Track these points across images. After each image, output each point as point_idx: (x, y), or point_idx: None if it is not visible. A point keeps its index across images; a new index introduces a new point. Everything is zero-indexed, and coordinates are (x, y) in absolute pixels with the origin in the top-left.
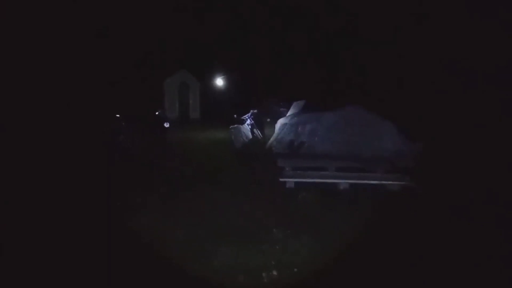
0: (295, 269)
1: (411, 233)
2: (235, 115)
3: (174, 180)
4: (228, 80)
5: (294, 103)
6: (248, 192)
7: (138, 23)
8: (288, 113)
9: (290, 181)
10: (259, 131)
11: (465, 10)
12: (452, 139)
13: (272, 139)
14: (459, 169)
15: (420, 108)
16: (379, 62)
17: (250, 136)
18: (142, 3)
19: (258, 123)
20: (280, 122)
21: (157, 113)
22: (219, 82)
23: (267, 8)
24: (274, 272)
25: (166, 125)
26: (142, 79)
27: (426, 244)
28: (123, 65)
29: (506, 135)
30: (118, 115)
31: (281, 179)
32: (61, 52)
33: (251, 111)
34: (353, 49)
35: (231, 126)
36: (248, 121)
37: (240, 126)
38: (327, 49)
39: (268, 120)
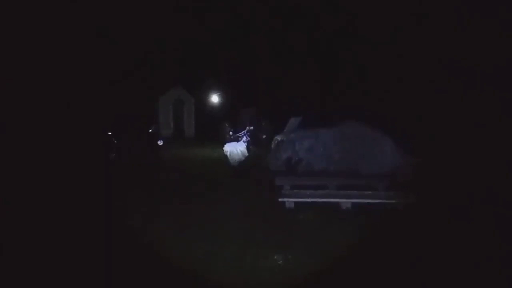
0: None
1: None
2: (230, 132)
3: (168, 197)
4: (223, 97)
5: (291, 119)
6: (246, 212)
7: (133, 32)
8: (285, 130)
9: (290, 201)
10: (255, 148)
11: (465, 10)
12: (452, 139)
13: (268, 156)
14: (459, 169)
15: (420, 108)
16: (378, 62)
17: (246, 153)
18: (138, 11)
19: (254, 140)
20: (276, 139)
21: (150, 130)
22: (214, 99)
23: (266, 10)
24: None
25: (160, 142)
26: (136, 93)
27: (426, 246)
28: (116, 78)
29: (506, 135)
30: (109, 133)
31: (280, 199)
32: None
33: (247, 128)
34: (353, 49)
35: (227, 143)
36: (244, 138)
37: (236, 143)
38: (326, 50)
39: (264, 136)
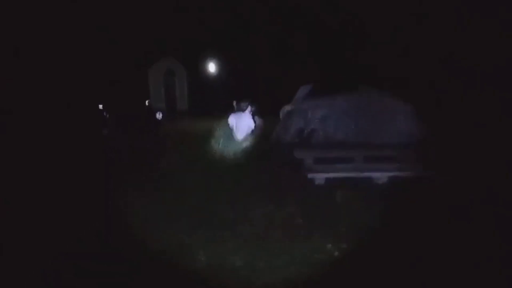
0: None
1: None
2: (234, 102)
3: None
4: (221, 66)
5: (301, 88)
6: (273, 192)
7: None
8: (295, 99)
9: (320, 177)
10: (261, 120)
11: (465, 10)
12: (452, 138)
13: (278, 127)
14: (459, 169)
15: (420, 108)
16: (378, 62)
17: (253, 125)
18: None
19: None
20: (285, 109)
21: (147, 103)
22: (211, 67)
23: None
24: None
25: (159, 115)
26: (125, 67)
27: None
28: (103, 52)
29: (506, 135)
30: (100, 106)
31: (309, 175)
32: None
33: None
34: (353, 49)
35: (231, 114)
36: (249, 109)
37: (242, 113)
38: (326, 50)
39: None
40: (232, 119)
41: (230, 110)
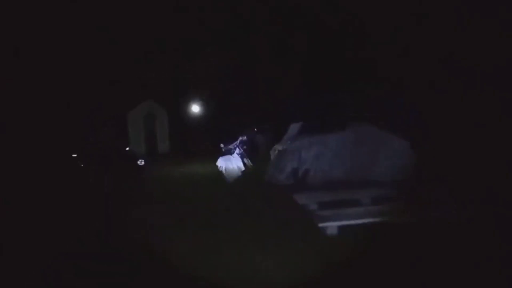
0: None
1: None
2: (222, 145)
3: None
4: (205, 106)
5: (291, 126)
6: (281, 247)
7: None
8: (285, 137)
9: (332, 226)
10: (249, 161)
11: (465, 10)
12: (452, 138)
13: (271, 168)
14: (459, 169)
15: (420, 108)
16: (379, 62)
17: (243, 167)
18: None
19: (249, 151)
20: (276, 148)
21: (127, 148)
22: (193, 108)
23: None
24: None
25: (141, 163)
26: (103, 112)
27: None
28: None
29: (506, 135)
30: (74, 155)
31: (320, 225)
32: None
33: (239, 138)
34: (353, 48)
35: (220, 158)
36: (237, 150)
37: (230, 156)
38: (326, 50)
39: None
40: (222, 162)
41: (215, 151)
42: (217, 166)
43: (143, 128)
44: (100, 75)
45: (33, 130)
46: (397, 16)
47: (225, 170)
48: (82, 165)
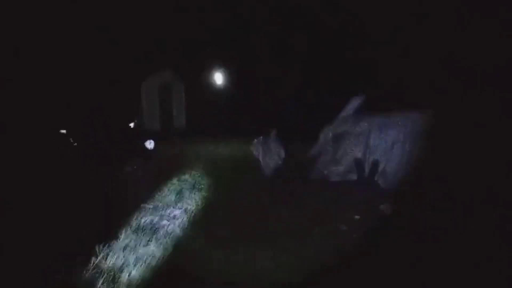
0: None
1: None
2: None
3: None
4: (227, 75)
5: (352, 100)
6: None
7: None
8: (341, 115)
9: None
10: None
11: (465, 10)
12: (452, 138)
13: (322, 158)
14: (459, 169)
15: (420, 108)
16: (378, 62)
17: (283, 153)
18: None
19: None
20: (330, 131)
21: (131, 124)
22: (215, 78)
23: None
24: None
25: (149, 145)
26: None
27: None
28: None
29: (506, 135)
30: (63, 131)
31: None
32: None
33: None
34: (353, 48)
35: (257, 140)
36: (273, 132)
37: (269, 138)
38: (326, 51)
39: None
40: (258, 146)
41: (236, 131)
42: (250, 149)
43: (158, 101)
44: (111, 39)
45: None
46: (397, 16)
47: (262, 155)
48: (74, 144)
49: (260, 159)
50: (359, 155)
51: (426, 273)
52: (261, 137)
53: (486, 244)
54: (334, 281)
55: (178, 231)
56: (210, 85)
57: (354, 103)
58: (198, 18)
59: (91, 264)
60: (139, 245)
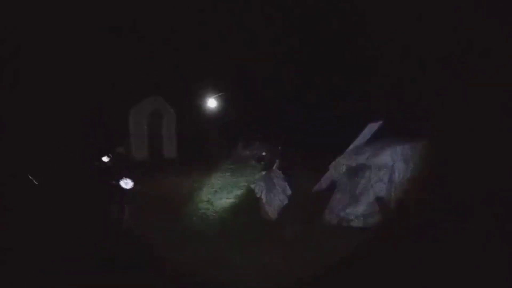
0: None
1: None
2: (254, 155)
3: None
4: (224, 101)
5: (368, 126)
6: None
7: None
8: (354, 144)
9: None
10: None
11: (465, 10)
12: (452, 138)
13: (336, 197)
14: (459, 169)
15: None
16: (378, 62)
17: (289, 191)
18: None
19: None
20: (343, 163)
21: (105, 158)
22: (211, 104)
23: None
24: None
25: (126, 185)
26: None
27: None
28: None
29: (506, 135)
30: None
31: None
32: None
33: (278, 148)
34: (353, 48)
35: (257, 176)
36: (277, 164)
37: (271, 174)
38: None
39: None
40: (261, 187)
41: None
42: (251, 190)
43: (147, 129)
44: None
45: None
46: (396, 16)
47: (266, 199)
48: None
49: (263, 197)
50: (381, 193)
51: (426, 273)
52: (264, 172)
53: (486, 244)
54: (334, 281)
55: None
56: (204, 111)
57: (370, 129)
58: (192, 41)
59: None
60: None
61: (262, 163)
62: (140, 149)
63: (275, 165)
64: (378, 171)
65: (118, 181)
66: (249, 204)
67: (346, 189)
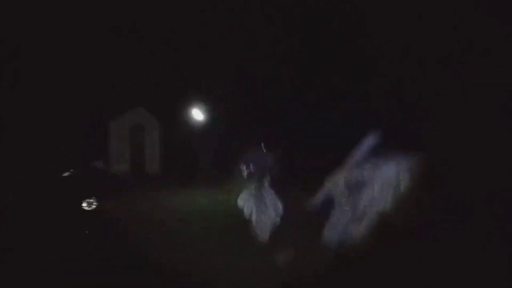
0: None
1: None
2: (244, 169)
3: None
4: (210, 116)
5: (366, 139)
6: None
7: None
8: (354, 159)
9: None
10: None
11: (465, 10)
12: (452, 138)
13: (335, 218)
14: (459, 169)
15: (421, 107)
16: (378, 62)
17: (280, 208)
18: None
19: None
20: (341, 179)
21: (66, 174)
22: (197, 116)
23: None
24: None
25: (89, 205)
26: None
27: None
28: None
29: (506, 135)
30: None
31: None
32: None
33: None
34: (353, 48)
35: (243, 192)
36: (268, 181)
37: (263, 194)
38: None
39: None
40: (247, 205)
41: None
42: (237, 206)
43: (128, 143)
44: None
45: None
46: (397, 16)
47: (255, 219)
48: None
49: (252, 217)
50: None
51: (426, 273)
52: (252, 186)
53: (486, 244)
54: (334, 281)
55: None
56: (189, 124)
57: (367, 144)
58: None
59: None
60: None
61: (251, 176)
62: (120, 162)
63: (265, 180)
64: (382, 185)
65: (80, 202)
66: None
67: (346, 205)
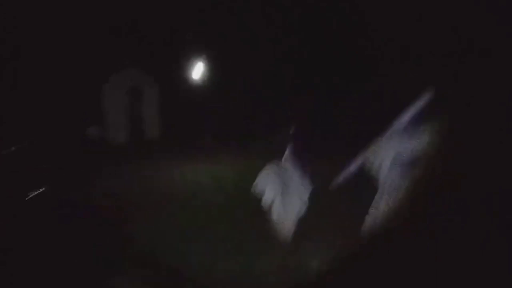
0: None
1: None
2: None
3: None
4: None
5: (418, 101)
6: None
7: None
8: (396, 127)
9: None
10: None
11: (465, 10)
12: (451, 138)
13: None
14: (459, 169)
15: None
16: (378, 62)
17: (307, 194)
18: None
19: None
20: (379, 151)
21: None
22: (198, 70)
23: None
24: None
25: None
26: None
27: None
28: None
29: (506, 135)
30: None
31: None
32: None
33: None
34: (353, 48)
35: (263, 172)
36: (288, 150)
37: (287, 180)
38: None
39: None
40: (270, 193)
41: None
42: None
43: (124, 106)
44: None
45: None
46: (397, 16)
47: (277, 211)
48: None
49: (274, 213)
50: None
51: (426, 273)
52: (273, 165)
53: (486, 244)
54: (334, 281)
55: None
56: (192, 83)
57: (417, 107)
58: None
59: None
60: None
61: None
62: (117, 129)
63: (286, 153)
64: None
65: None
66: (252, 199)
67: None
